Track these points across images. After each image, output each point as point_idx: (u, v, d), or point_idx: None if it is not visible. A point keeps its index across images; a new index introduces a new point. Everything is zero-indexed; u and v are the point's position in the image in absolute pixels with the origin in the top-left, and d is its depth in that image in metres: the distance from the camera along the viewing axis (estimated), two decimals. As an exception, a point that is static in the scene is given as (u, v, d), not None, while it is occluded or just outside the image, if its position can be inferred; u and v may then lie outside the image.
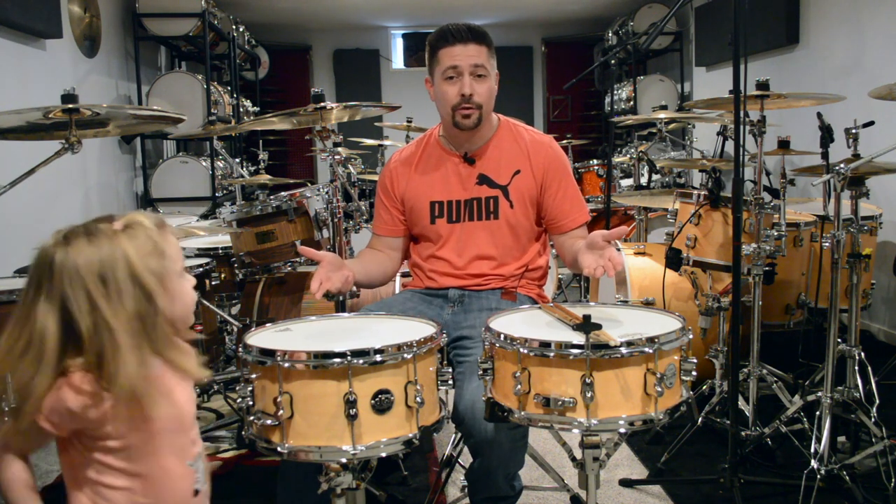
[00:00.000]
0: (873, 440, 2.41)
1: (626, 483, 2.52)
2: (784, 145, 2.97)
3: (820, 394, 2.41)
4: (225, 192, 5.83)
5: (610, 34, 7.90)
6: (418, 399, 1.50)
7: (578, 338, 1.48)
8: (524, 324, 1.70)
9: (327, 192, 2.63)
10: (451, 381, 1.65)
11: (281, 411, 1.47)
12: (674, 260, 2.68)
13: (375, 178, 4.12)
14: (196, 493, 1.31)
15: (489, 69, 2.10)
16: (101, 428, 1.19)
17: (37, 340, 1.15)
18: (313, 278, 1.84)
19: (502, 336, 1.56)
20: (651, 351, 1.48)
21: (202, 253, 3.25)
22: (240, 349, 1.58)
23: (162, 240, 1.23)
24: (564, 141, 5.43)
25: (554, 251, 4.03)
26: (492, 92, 2.11)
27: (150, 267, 1.19)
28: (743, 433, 2.57)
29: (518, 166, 2.15)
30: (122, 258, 1.17)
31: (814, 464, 2.30)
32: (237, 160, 6.50)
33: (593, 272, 1.71)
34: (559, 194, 2.15)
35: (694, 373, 1.56)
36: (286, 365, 1.47)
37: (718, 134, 3.73)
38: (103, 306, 1.15)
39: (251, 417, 1.53)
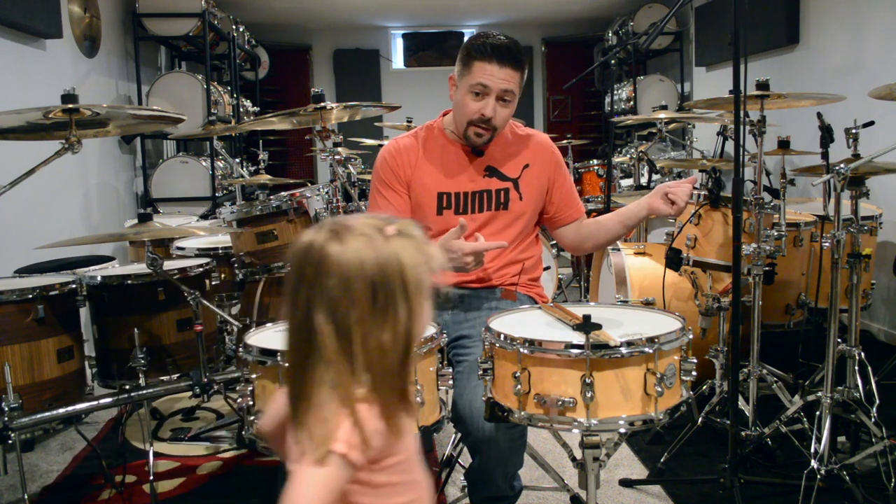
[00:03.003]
0: (873, 440, 2.41)
1: (626, 483, 2.52)
2: (784, 145, 2.97)
3: (820, 394, 2.41)
4: (225, 192, 5.83)
5: (610, 34, 7.90)
6: (418, 399, 1.50)
7: (578, 338, 1.48)
8: (524, 324, 1.70)
9: (327, 192, 2.63)
10: (451, 381, 1.65)
11: (281, 411, 1.46)
12: (674, 260, 2.68)
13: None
14: None
15: (516, 95, 2.07)
16: (395, 446, 1.08)
17: (322, 351, 1.02)
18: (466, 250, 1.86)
19: (502, 336, 1.56)
20: (651, 351, 1.48)
21: (202, 253, 3.25)
22: (240, 349, 1.58)
23: (430, 252, 1.09)
24: (564, 141, 5.42)
25: (554, 250, 4.06)
26: (510, 116, 2.11)
27: (420, 280, 1.05)
28: (743, 433, 2.57)
29: (527, 160, 2.18)
30: (396, 266, 1.03)
31: (814, 464, 2.30)
32: (237, 160, 6.50)
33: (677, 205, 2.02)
34: (565, 187, 2.23)
35: (694, 373, 1.56)
36: (286, 365, 1.47)
37: (718, 134, 3.73)
38: (371, 317, 1.03)
39: (251, 417, 1.53)
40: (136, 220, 2.48)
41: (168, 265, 2.54)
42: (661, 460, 2.61)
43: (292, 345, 1.07)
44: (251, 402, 1.54)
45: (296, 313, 1.04)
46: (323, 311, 1.02)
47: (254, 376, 1.53)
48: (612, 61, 6.61)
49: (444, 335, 1.63)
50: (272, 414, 1.19)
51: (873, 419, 2.45)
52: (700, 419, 2.70)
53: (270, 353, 1.49)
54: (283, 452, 1.16)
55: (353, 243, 1.03)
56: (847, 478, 2.30)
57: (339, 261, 1.02)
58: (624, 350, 1.47)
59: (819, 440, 2.34)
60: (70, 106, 2.04)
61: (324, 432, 1.00)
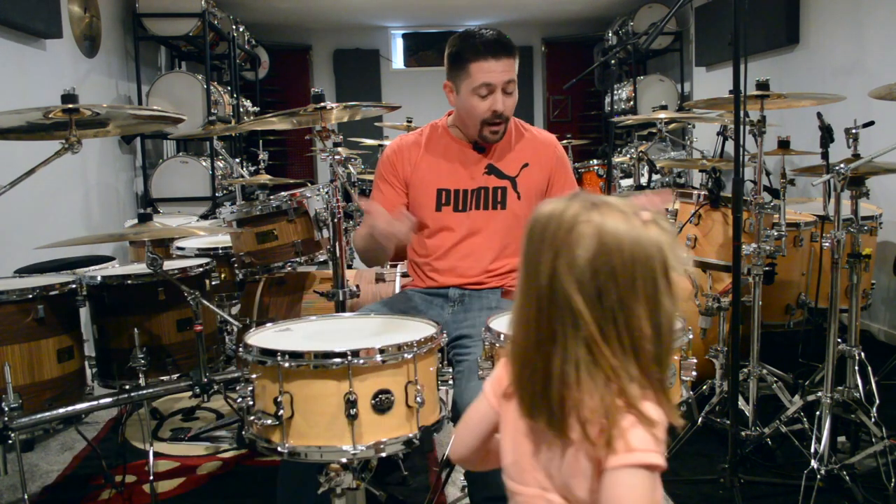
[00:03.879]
0: (873, 440, 2.41)
1: (626, 483, 2.52)
2: (784, 145, 2.97)
3: (820, 394, 2.41)
4: (225, 192, 5.83)
5: (610, 34, 7.90)
6: (418, 399, 1.50)
7: (578, 338, 1.48)
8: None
9: (327, 192, 2.62)
10: (451, 381, 1.65)
11: (281, 411, 1.47)
12: (674, 260, 2.68)
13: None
14: None
15: (516, 82, 2.10)
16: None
17: (577, 326, 0.91)
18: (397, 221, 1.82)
19: (502, 336, 1.56)
20: (651, 351, 1.48)
21: (202, 253, 3.25)
22: (240, 349, 1.58)
23: (680, 249, 0.98)
24: (564, 141, 5.43)
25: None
26: (516, 101, 2.13)
27: (676, 272, 0.95)
28: (743, 433, 2.57)
29: (526, 159, 2.19)
30: (657, 251, 0.93)
31: (814, 464, 2.30)
32: (237, 160, 6.50)
33: None
34: (565, 189, 2.22)
35: (694, 373, 1.56)
36: (286, 365, 1.47)
37: (718, 134, 3.73)
38: (633, 298, 0.91)
39: (251, 417, 1.53)
40: (136, 220, 2.48)
41: (168, 265, 2.54)
42: (661, 460, 2.60)
43: (530, 317, 0.95)
44: (251, 402, 1.54)
45: (536, 281, 0.94)
46: (573, 281, 0.91)
47: (254, 376, 1.53)
48: (612, 61, 6.60)
49: (444, 335, 1.62)
50: (468, 435, 1.12)
51: (873, 419, 2.45)
52: (700, 419, 2.70)
53: (270, 353, 1.49)
54: (488, 465, 1.12)
55: (612, 217, 0.92)
56: (847, 478, 2.30)
57: (598, 230, 0.92)
58: (624, 350, 1.47)
59: (819, 440, 2.34)
60: (70, 106, 2.04)
61: (611, 433, 0.89)
